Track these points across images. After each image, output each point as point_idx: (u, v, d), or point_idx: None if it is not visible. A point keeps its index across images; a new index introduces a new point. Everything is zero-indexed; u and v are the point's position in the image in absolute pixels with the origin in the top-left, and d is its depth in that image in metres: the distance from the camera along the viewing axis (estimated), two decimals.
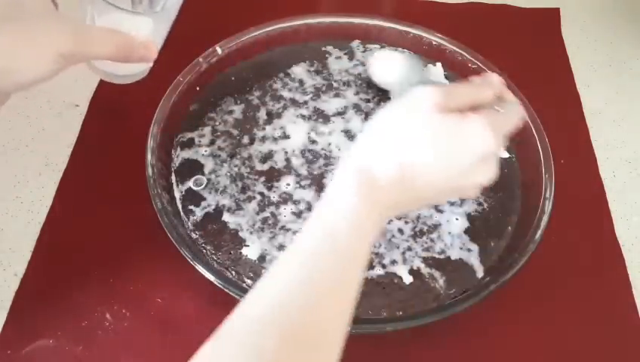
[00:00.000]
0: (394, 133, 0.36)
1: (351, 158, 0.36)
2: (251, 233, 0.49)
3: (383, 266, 0.48)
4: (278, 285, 0.31)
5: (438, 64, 0.62)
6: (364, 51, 0.63)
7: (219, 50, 0.59)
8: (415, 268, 0.48)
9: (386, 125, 0.37)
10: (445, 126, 0.35)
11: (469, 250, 0.49)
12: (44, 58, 0.35)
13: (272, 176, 0.53)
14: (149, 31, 0.41)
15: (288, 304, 0.30)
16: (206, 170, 0.53)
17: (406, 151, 0.35)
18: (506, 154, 0.55)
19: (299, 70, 0.61)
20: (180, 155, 0.54)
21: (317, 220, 0.34)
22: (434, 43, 0.62)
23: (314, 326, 0.30)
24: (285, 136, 0.56)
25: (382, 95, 0.59)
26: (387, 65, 0.58)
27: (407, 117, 0.36)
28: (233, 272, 0.47)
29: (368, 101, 0.59)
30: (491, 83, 0.40)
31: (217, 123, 0.57)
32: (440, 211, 0.51)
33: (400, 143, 0.35)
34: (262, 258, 0.48)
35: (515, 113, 0.39)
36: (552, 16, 0.76)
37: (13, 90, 0.36)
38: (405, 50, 0.63)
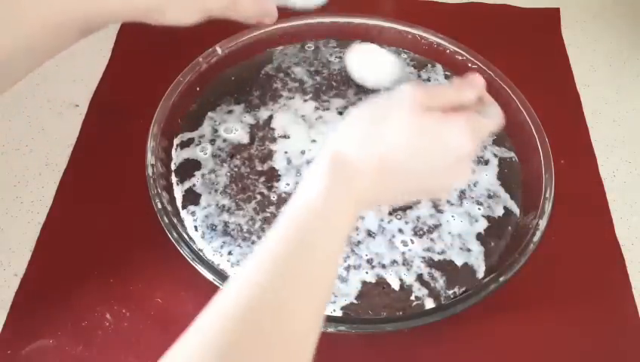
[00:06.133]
0: (375, 127, 0.36)
1: (332, 145, 0.36)
2: (251, 233, 0.49)
3: (383, 266, 0.48)
4: (250, 283, 0.30)
5: (438, 65, 0.62)
6: None
7: (219, 50, 0.59)
8: (415, 268, 0.48)
9: (367, 118, 0.37)
10: (425, 125, 0.36)
11: (469, 250, 0.49)
12: (194, 12, 0.42)
13: (272, 176, 0.53)
14: None
15: (259, 302, 0.29)
16: (206, 170, 0.53)
17: (386, 146, 0.35)
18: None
19: (299, 70, 0.61)
20: (179, 155, 0.54)
21: (292, 211, 0.33)
22: (434, 43, 0.62)
23: (284, 326, 0.29)
24: (285, 136, 0.56)
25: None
26: (367, 60, 0.57)
27: (390, 112, 0.36)
28: (233, 272, 0.47)
29: None
30: (473, 84, 0.39)
31: (217, 123, 0.57)
32: (440, 211, 0.51)
33: (380, 137, 0.36)
34: None
35: (494, 116, 0.39)
36: (552, 16, 0.76)
37: (152, 23, 0.42)
38: (385, 46, 0.63)
